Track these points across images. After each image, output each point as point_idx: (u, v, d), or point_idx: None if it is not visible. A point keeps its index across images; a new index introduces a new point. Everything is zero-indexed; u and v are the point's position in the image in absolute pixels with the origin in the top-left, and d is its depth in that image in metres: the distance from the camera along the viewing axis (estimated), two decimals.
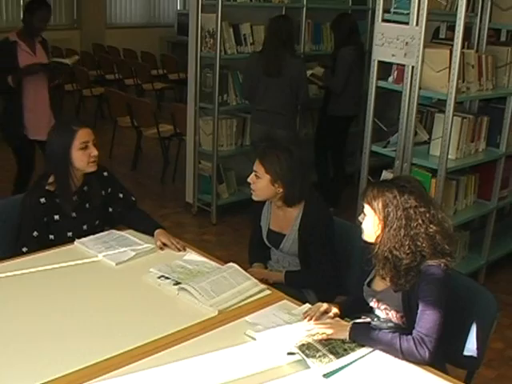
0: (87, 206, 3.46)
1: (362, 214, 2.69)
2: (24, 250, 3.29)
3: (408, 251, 2.55)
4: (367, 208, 2.65)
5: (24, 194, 3.46)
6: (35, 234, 3.33)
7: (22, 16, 5.75)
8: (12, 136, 5.72)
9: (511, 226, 6.01)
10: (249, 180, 3.35)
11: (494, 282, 5.26)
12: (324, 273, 3.37)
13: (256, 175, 3.30)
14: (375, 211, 2.61)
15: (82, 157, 3.30)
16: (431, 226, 2.57)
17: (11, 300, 2.79)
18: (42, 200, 3.33)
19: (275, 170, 3.26)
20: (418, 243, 2.55)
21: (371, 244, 2.67)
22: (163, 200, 7.04)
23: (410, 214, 2.56)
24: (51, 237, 3.38)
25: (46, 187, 3.36)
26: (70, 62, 6.00)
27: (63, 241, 3.35)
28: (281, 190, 3.30)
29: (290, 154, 3.29)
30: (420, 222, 2.56)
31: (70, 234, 3.39)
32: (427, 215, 2.57)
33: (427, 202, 2.62)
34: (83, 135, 3.30)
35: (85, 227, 3.45)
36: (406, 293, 2.59)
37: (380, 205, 2.59)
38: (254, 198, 3.38)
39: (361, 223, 2.71)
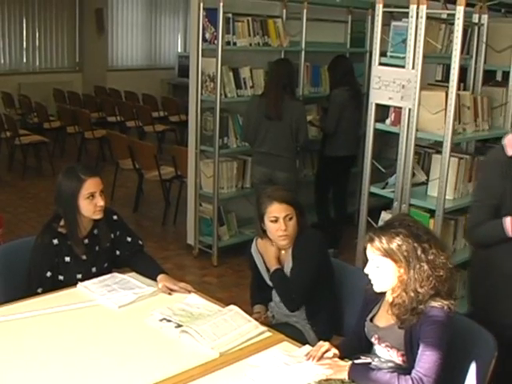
0: (97, 248, 3.50)
1: (372, 267, 2.67)
2: (39, 290, 3.33)
3: (432, 285, 2.56)
4: (380, 259, 2.62)
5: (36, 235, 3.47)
6: (49, 274, 3.37)
7: None
8: None
9: None
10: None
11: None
12: (322, 304, 3.41)
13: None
14: (391, 257, 2.59)
15: (88, 206, 3.34)
16: (439, 260, 2.60)
17: (14, 343, 2.80)
18: (55, 241, 3.38)
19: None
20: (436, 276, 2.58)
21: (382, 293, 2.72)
22: (164, 242, 7.07)
23: (425, 247, 2.58)
24: (60, 278, 3.41)
25: (58, 229, 3.41)
26: None
27: (72, 282, 3.38)
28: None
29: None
30: (431, 257, 2.58)
31: (79, 276, 3.42)
32: (433, 250, 2.60)
33: (430, 236, 2.66)
34: (90, 186, 3.34)
35: (94, 269, 3.49)
36: (409, 332, 2.61)
37: (396, 249, 2.58)
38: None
39: (367, 274, 2.70)
